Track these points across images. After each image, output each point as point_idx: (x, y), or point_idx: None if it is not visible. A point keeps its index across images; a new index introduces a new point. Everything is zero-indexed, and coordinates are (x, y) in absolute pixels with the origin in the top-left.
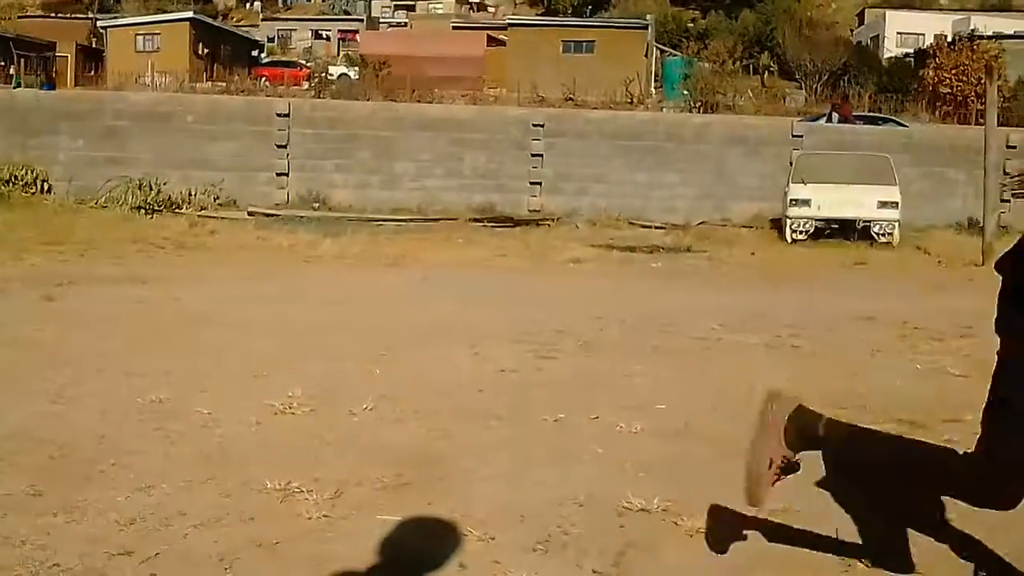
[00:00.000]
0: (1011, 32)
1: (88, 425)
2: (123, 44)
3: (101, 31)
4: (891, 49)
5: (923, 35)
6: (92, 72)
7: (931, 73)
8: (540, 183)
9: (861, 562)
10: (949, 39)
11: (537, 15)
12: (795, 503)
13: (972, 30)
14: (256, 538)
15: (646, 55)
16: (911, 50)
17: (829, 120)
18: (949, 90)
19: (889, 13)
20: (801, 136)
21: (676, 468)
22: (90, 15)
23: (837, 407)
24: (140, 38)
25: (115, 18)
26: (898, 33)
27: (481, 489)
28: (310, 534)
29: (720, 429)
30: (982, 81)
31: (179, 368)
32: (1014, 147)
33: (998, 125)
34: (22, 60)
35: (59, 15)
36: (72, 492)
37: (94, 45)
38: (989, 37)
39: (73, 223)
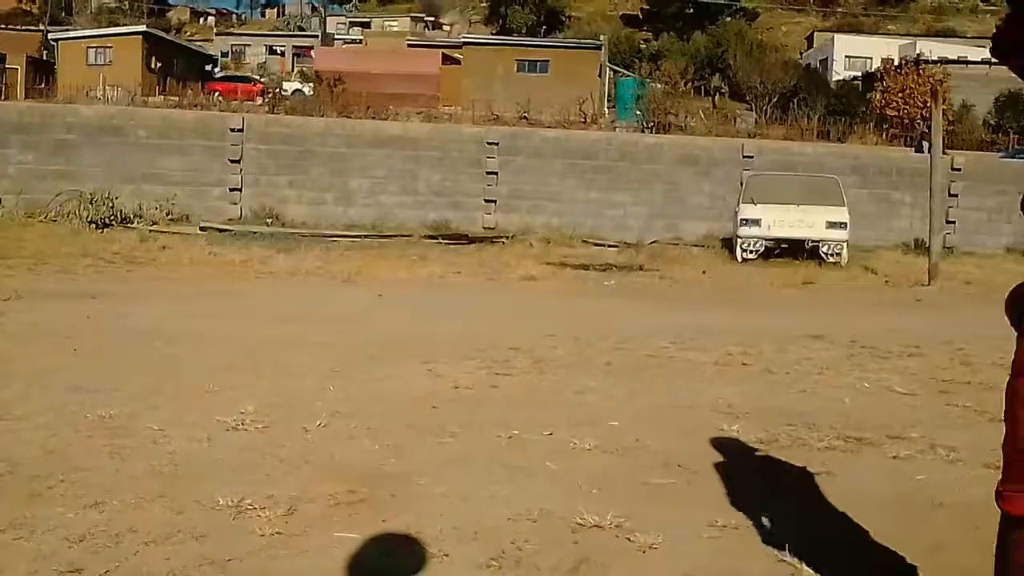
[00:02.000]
0: (956, 57)
1: (36, 441)
2: (74, 57)
3: (52, 43)
4: (839, 72)
5: (871, 59)
6: (43, 85)
7: (878, 96)
8: (494, 201)
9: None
10: (896, 63)
11: (492, 34)
12: (747, 520)
13: (918, 55)
14: (208, 555)
15: (599, 75)
16: (859, 73)
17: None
18: (896, 113)
19: (838, 37)
20: (752, 157)
21: (629, 484)
22: (41, 27)
23: (786, 424)
24: (92, 51)
25: (67, 31)
26: (846, 56)
27: (435, 506)
28: (263, 551)
29: (672, 446)
30: (928, 104)
31: (129, 384)
32: (959, 169)
33: (943, 148)
34: None
35: (9, 26)
36: (20, 509)
37: (45, 58)
38: (935, 62)
39: (22, 237)
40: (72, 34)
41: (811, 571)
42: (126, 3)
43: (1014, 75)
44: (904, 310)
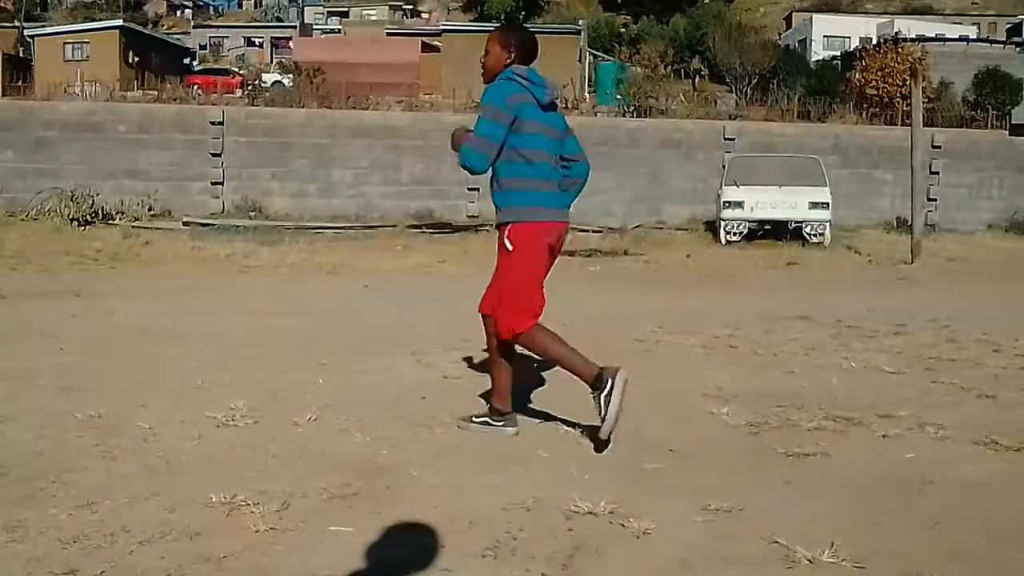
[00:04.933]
0: (933, 35)
1: (26, 442)
2: (51, 53)
3: (28, 40)
4: (818, 52)
5: (849, 38)
6: (20, 82)
7: (857, 75)
8: (477, 189)
9: (804, 558)
10: (874, 42)
11: (471, 21)
12: (740, 503)
13: (896, 33)
14: (203, 553)
15: (579, 60)
16: (838, 53)
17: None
18: (875, 91)
19: (816, 17)
20: (733, 139)
21: (621, 470)
22: (16, 23)
23: (775, 405)
24: (69, 47)
25: (43, 26)
26: (825, 36)
27: (429, 497)
28: (257, 547)
29: (663, 430)
30: (907, 83)
31: (117, 382)
32: (939, 147)
33: (923, 126)
34: None
35: None
36: (12, 511)
37: (21, 55)
38: (913, 40)
39: (3, 237)
40: (48, 30)
41: (805, 553)
42: None
43: (991, 51)
44: (888, 289)
